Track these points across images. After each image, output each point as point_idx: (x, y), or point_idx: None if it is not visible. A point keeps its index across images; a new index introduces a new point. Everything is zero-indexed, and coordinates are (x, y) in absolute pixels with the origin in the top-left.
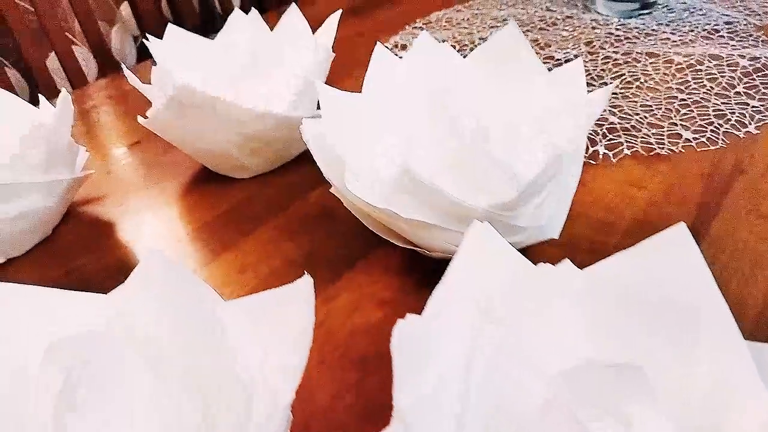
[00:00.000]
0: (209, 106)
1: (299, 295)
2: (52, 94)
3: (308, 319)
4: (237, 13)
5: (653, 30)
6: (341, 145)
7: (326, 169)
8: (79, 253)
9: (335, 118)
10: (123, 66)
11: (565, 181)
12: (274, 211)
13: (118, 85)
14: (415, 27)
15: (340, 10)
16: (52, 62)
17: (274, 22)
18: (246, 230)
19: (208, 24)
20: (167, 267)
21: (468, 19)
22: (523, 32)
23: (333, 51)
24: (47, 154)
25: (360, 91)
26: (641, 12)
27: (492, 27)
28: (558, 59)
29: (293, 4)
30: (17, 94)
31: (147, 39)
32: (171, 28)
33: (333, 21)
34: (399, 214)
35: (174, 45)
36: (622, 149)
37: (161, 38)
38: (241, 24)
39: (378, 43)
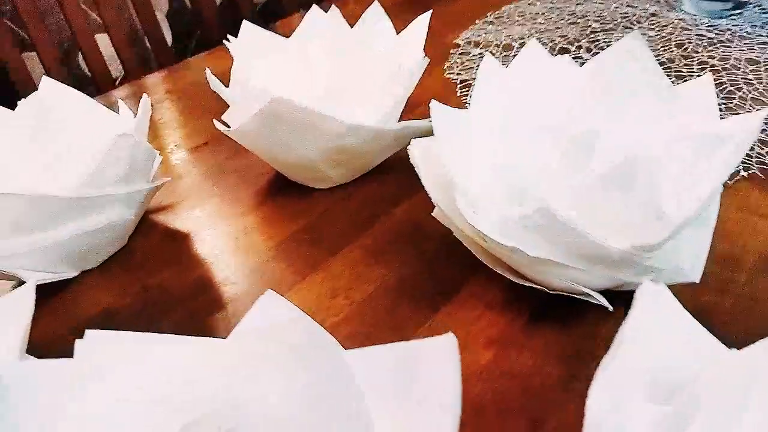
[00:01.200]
0: (303, 119)
1: (441, 354)
2: (104, 80)
3: (455, 384)
4: (315, 9)
5: (747, 33)
6: (454, 169)
7: (434, 192)
8: (155, 267)
9: (447, 139)
10: (208, 71)
11: (703, 218)
12: (360, 228)
13: (175, 79)
14: (486, 21)
15: (431, 11)
16: (104, 46)
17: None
18: (332, 248)
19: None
20: (288, 314)
21: (543, 13)
22: (606, 31)
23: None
24: (129, 165)
25: (440, 93)
26: (732, 12)
27: (571, 24)
28: None
29: (376, 2)
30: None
31: (227, 40)
32: (246, 25)
33: (422, 24)
34: (526, 252)
35: (251, 43)
36: (739, 170)
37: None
38: (320, 22)
39: (486, 53)
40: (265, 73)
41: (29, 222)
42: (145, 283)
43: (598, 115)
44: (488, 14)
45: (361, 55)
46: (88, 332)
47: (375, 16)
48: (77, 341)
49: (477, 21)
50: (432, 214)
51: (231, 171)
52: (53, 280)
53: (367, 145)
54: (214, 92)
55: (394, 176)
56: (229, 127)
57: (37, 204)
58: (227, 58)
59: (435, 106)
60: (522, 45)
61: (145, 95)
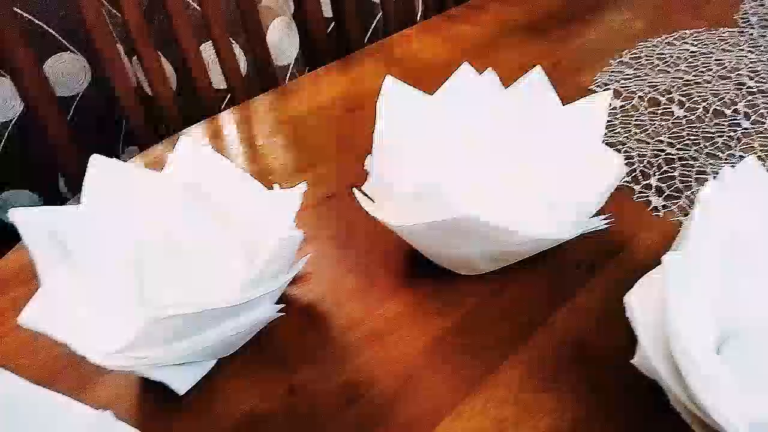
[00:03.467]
0: (481, 231)
1: None
2: (205, 92)
3: None
4: (466, 67)
5: None
6: (688, 337)
7: (652, 350)
8: (299, 360)
9: (680, 296)
10: (356, 190)
11: None
12: (518, 337)
13: (285, 106)
14: (622, 62)
15: (611, 91)
16: (207, 52)
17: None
18: (489, 362)
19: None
20: None
21: (686, 58)
22: (764, 92)
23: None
24: (287, 261)
25: None
26: None
27: (722, 78)
28: None
29: (538, 67)
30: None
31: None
32: (389, 81)
33: (601, 107)
34: None
35: (396, 101)
36: None
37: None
38: (473, 83)
39: (710, 181)
40: (416, 145)
41: (184, 332)
42: (291, 382)
43: None
44: (623, 53)
45: (529, 130)
46: None
47: (537, 83)
48: None
49: (611, 60)
50: (632, 361)
51: (362, 237)
52: (197, 381)
53: (536, 249)
54: (334, 124)
55: (547, 267)
56: (370, 198)
57: (195, 317)
58: (342, 75)
59: (669, 259)
60: (669, 100)
61: (304, 184)
